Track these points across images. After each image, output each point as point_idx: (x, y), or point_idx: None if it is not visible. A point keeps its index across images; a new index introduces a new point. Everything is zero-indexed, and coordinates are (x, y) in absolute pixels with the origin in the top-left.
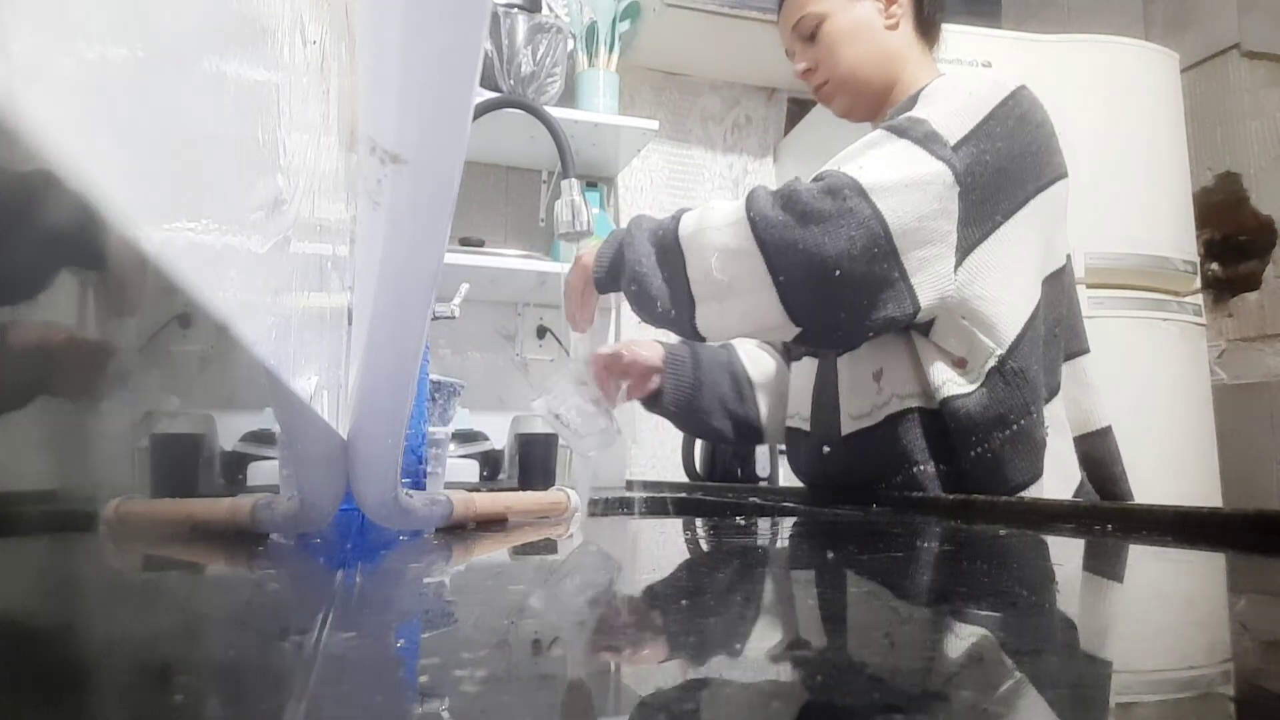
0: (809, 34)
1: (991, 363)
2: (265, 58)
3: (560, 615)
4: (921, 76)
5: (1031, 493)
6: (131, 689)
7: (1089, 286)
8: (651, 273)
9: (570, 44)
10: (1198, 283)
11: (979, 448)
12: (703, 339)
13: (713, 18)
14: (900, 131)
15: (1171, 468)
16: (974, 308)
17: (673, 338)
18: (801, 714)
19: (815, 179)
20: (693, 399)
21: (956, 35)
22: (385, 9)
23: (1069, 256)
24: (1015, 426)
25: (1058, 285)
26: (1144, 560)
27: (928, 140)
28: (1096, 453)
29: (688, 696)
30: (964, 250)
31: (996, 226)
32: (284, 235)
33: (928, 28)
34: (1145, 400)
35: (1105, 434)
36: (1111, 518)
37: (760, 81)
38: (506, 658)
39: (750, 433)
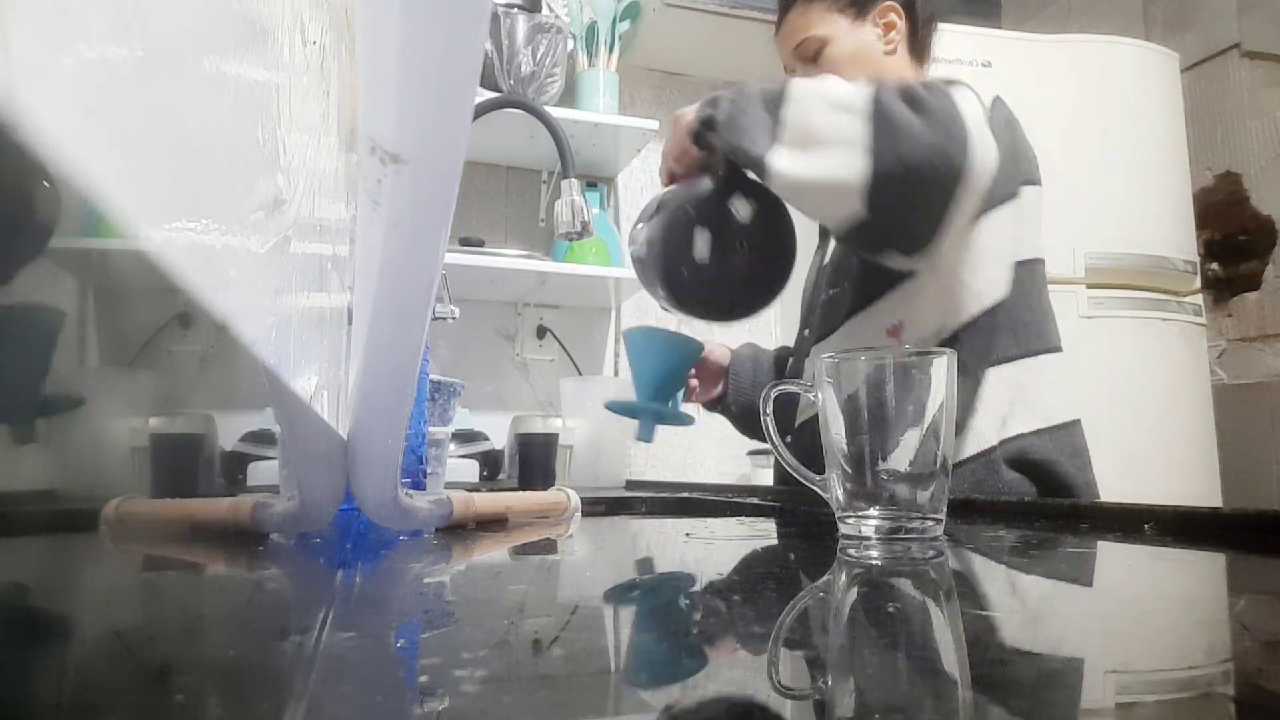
0: (811, 56)
1: (933, 341)
2: (265, 58)
3: (560, 615)
4: None
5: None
6: (131, 689)
7: (1089, 286)
8: (749, 111)
9: (570, 44)
10: (1198, 283)
11: None
12: (765, 178)
13: (713, 18)
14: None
15: (1171, 468)
16: (945, 282)
17: (733, 341)
18: (800, 713)
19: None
20: (752, 401)
21: (956, 35)
22: (385, 9)
23: (1042, 261)
24: None
25: (1022, 286)
26: (1144, 560)
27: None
28: (1060, 446)
29: (686, 695)
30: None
31: (982, 213)
32: (284, 235)
33: (920, 51)
34: (1145, 400)
35: (1071, 427)
36: (1112, 517)
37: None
38: (506, 658)
39: None
